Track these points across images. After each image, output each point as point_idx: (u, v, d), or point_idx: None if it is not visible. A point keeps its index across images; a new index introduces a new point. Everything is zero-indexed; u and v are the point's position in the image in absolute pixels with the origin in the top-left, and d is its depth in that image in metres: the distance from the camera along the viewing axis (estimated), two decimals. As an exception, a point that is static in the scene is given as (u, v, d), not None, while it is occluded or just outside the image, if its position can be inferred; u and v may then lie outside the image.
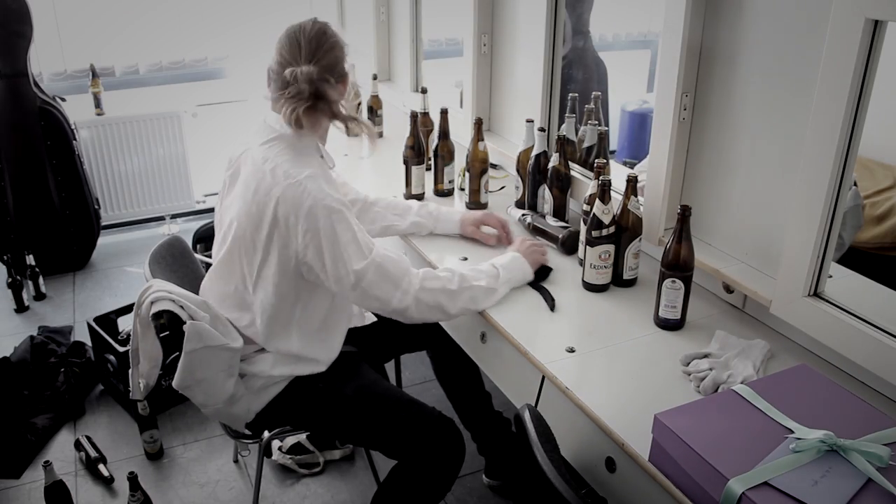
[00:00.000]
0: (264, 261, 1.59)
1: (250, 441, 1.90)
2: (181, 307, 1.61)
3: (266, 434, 1.84)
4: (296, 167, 1.55)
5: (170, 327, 1.65)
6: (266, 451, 2.30)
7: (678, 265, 1.53)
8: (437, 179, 2.34)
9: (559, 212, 2.04)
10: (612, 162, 2.01)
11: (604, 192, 1.68)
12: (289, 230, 1.53)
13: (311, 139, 1.63)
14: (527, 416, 1.25)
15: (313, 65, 1.57)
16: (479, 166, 2.18)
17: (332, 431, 1.88)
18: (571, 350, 1.52)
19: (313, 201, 1.51)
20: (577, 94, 2.16)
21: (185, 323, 1.59)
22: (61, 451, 2.39)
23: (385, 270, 1.55)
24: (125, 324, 2.70)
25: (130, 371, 1.77)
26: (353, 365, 1.76)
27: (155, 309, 1.62)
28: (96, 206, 3.60)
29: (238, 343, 1.63)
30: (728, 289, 1.69)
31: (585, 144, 2.13)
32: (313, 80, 1.55)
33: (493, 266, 1.71)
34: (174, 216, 4.00)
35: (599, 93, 2.17)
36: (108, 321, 2.68)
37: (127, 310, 2.73)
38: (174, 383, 1.65)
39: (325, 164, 1.66)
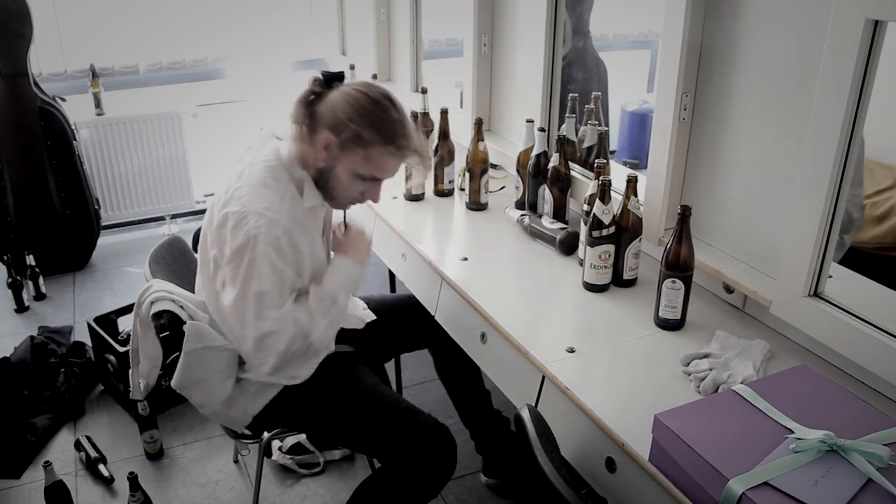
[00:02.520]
0: (216, 269, 1.57)
1: (250, 441, 1.90)
2: (181, 307, 1.61)
3: (266, 434, 1.84)
4: (256, 195, 1.51)
5: (170, 327, 1.65)
6: (266, 452, 2.30)
7: (678, 265, 1.53)
8: (437, 180, 2.34)
9: (559, 212, 2.04)
10: (612, 162, 2.01)
11: (604, 192, 1.68)
12: (223, 253, 1.52)
13: (292, 170, 1.58)
14: (527, 416, 1.25)
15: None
16: (480, 166, 2.18)
17: (328, 435, 1.88)
18: (571, 350, 1.52)
19: (245, 239, 1.47)
20: (577, 94, 2.16)
21: (184, 323, 1.59)
22: (61, 451, 2.39)
23: (262, 344, 1.50)
24: (125, 324, 2.70)
25: (130, 371, 1.77)
26: (349, 367, 1.76)
27: (155, 309, 1.62)
28: (96, 207, 3.60)
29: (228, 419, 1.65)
30: (728, 289, 1.69)
31: (585, 144, 2.13)
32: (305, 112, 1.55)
33: (332, 292, 1.61)
34: (174, 216, 4.00)
35: (599, 93, 2.17)
36: (108, 321, 2.68)
37: (127, 310, 2.73)
38: (173, 383, 1.65)
39: (300, 201, 1.58)
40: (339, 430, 1.74)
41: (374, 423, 1.68)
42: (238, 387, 1.67)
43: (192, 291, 1.72)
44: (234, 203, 1.51)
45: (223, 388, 1.64)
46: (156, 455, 2.36)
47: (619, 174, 1.84)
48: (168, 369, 2.56)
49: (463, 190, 2.34)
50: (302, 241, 1.56)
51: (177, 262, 1.92)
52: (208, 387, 1.64)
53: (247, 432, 1.82)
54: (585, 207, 1.86)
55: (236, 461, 2.35)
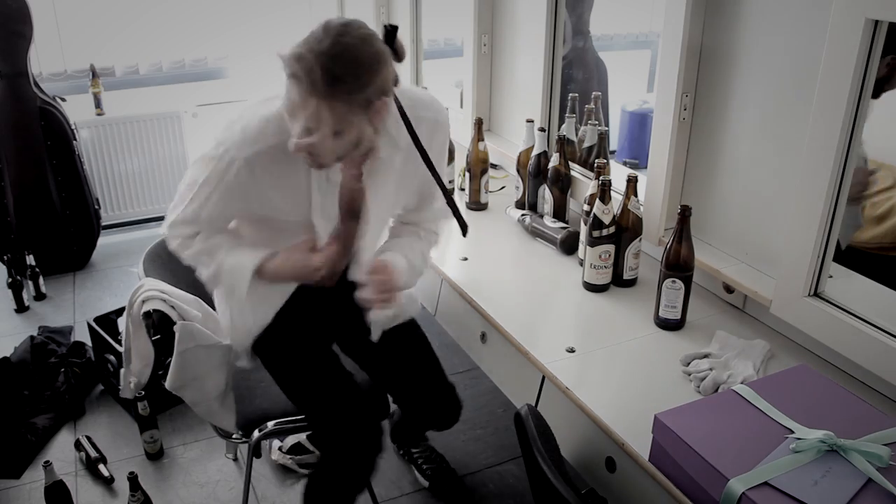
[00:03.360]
0: None
1: (240, 441, 1.88)
2: (172, 307, 1.60)
3: (255, 434, 1.82)
4: (250, 117, 1.42)
5: (160, 329, 1.65)
6: (255, 452, 2.28)
7: (678, 265, 1.53)
8: (437, 179, 2.34)
9: (559, 212, 2.04)
10: (612, 162, 2.01)
11: (604, 192, 1.68)
12: None
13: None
14: (527, 416, 1.25)
15: None
16: (480, 166, 2.18)
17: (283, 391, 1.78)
18: (571, 350, 1.52)
19: (213, 144, 1.46)
20: (577, 94, 2.16)
21: (175, 323, 1.59)
22: (61, 451, 2.39)
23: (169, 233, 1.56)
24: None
25: (122, 370, 1.77)
26: (319, 333, 1.68)
27: (146, 308, 1.62)
28: (96, 206, 3.59)
29: (229, 339, 1.63)
30: (728, 289, 1.69)
31: (585, 144, 2.13)
32: None
33: (223, 261, 1.52)
34: (174, 216, 4.00)
35: (599, 93, 2.17)
36: (108, 321, 2.67)
37: (127, 310, 2.73)
38: (167, 385, 1.64)
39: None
40: (283, 389, 1.68)
41: (310, 391, 1.63)
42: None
43: (188, 291, 1.72)
44: (236, 113, 1.46)
45: (217, 382, 1.64)
46: (156, 455, 2.36)
47: (619, 174, 1.84)
48: (168, 369, 2.56)
49: (463, 190, 2.34)
50: (272, 179, 1.44)
51: (172, 260, 1.90)
52: (203, 384, 1.64)
53: (237, 434, 1.81)
54: (585, 207, 1.86)
55: (235, 459, 2.34)
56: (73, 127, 3.44)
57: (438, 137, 1.54)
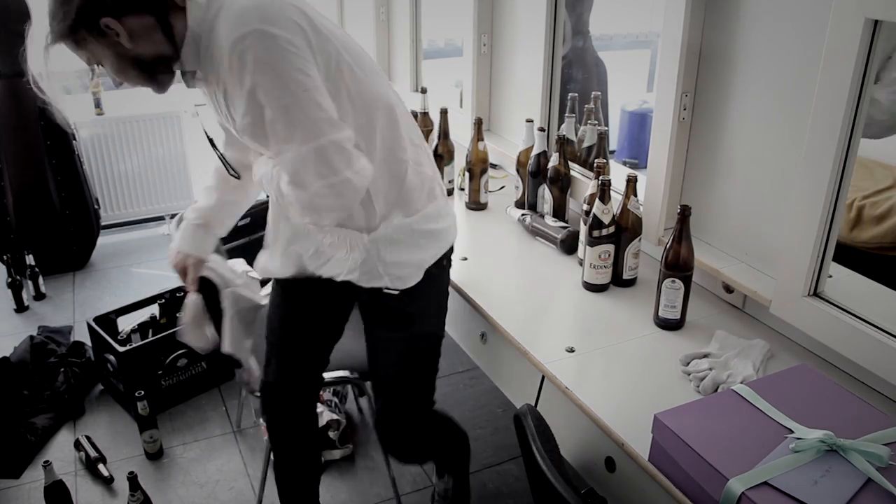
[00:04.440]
0: None
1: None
2: (221, 274, 1.70)
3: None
4: None
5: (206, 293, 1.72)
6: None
7: (678, 265, 1.53)
8: (437, 179, 2.34)
9: (559, 212, 2.04)
10: (611, 162, 2.01)
11: (604, 191, 1.68)
12: None
13: None
14: (527, 416, 1.25)
15: None
16: (480, 166, 2.18)
17: None
18: (571, 350, 1.52)
19: None
20: (576, 94, 2.16)
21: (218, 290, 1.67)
22: (61, 451, 2.39)
23: None
24: (125, 324, 2.70)
25: (243, 368, 1.78)
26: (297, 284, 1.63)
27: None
28: (96, 206, 3.60)
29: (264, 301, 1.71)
30: (728, 289, 1.69)
31: (585, 144, 2.13)
32: None
33: None
34: (174, 216, 4.00)
35: (599, 93, 2.17)
36: (107, 321, 2.67)
37: (127, 310, 2.73)
38: (223, 349, 1.68)
39: None
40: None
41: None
42: None
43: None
44: None
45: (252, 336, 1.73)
46: (155, 455, 2.36)
47: (618, 174, 1.84)
48: (168, 370, 2.56)
49: (463, 190, 2.34)
50: None
51: None
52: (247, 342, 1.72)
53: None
54: (585, 207, 1.86)
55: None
56: (73, 127, 3.44)
57: (225, 62, 1.28)
